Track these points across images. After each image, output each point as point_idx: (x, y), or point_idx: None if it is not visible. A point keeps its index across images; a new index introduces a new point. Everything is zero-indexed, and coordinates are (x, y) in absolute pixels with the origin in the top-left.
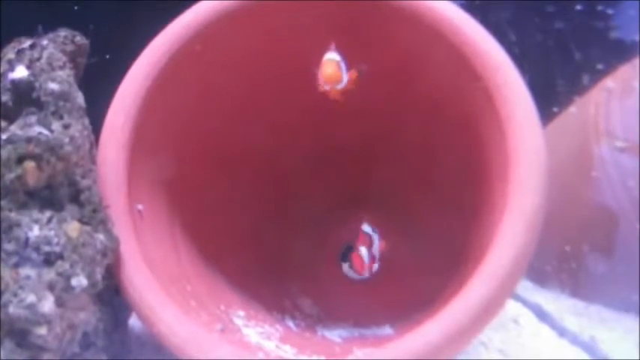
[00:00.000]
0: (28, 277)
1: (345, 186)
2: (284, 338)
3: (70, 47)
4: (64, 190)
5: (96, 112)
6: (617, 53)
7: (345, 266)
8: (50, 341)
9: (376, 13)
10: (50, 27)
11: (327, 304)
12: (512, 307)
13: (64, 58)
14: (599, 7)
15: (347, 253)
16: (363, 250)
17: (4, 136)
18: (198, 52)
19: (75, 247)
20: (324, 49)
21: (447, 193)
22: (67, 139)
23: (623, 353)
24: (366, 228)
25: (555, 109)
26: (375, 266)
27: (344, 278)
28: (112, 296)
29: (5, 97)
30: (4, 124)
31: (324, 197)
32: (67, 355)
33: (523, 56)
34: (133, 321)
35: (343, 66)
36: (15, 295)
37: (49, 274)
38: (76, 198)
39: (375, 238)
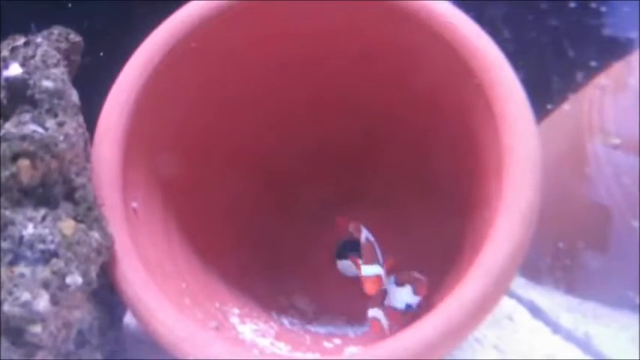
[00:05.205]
0: (22, 275)
1: (340, 183)
2: (279, 335)
3: (64, 45)
4: (58, 188)
5: (91, 109)
6: (611, 50)
7: (340, 264)
8: (45, 339)
9: (372, 12)
10: (44, 24)
11: (322, 302)
12: (506, 303)
13: (59, 56)
14: (593, 5)
15: (342, 250)
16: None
17: None
18: (194, 50)
19: (70, 245)
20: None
21: (442, 189)
22: (61, 137)
23: (617, 349)
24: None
25: (549, 106)
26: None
27: (339, 276)
28: (107, 294)
29: None
30: None
31: (320, 194)
32: (61, 353)
33: (517, 53)
34: (128, 319)
35: (382, 274)
36: (10, 293)
37: (44, 272)
38: (70, 196)
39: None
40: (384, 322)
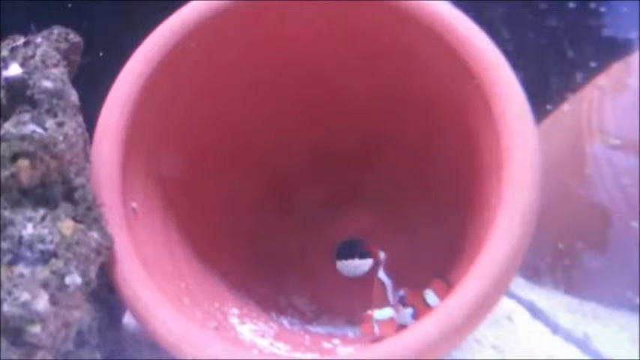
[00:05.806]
0: (22, 276)
1: (340, 184)
2: (278, 336)
3: (63, 45)
4: (57, 188)
5: (91, 109)
6: (610, 51)
7: (340, 264)
8: (44, 339)
9: (371, 12)
10: (44, 24)
11: (321, 302)
12: (506, 304)
13: (58, 56)
14: (593, 5)
15: (343, 250)
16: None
17: None
18: (194, 50)
19: (69, 246)
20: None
21: (442, 190)
22: (60, 137)
23: (616, 349)
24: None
25: (549, 107)
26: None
27: (339, 276)
28: (106, 294)
29: None
30: None
31: (320, 195)
32: (61, 353)
33: (517, 54)
34: (128, 319)
35: (395, 315)
36: (9, 293)
37: (43, 273)
38: (69, 196)
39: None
40: (376, 325)
